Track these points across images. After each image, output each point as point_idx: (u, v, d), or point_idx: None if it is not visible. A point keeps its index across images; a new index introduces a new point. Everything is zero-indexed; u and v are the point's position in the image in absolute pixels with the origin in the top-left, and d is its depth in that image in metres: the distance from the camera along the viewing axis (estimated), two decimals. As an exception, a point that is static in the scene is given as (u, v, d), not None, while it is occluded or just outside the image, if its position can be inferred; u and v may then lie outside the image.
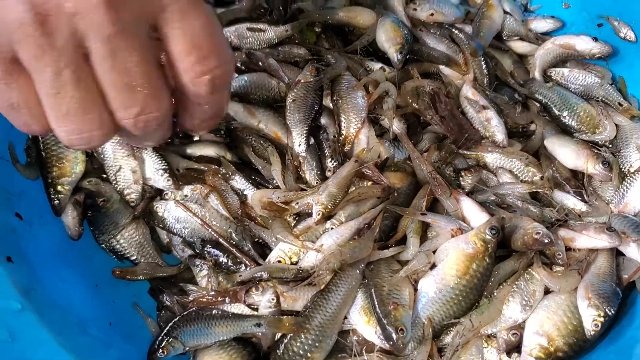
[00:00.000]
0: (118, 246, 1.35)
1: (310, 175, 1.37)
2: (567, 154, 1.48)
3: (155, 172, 1.36)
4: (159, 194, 1.40)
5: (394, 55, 1.52)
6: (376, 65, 1.54)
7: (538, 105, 1.61)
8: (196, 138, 1.45)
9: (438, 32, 1.68)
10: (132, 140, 0.85)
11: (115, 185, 1.36)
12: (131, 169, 1.34)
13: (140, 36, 0.72)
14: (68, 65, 0.69)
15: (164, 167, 1.36)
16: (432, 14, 1.64)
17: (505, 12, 1.71)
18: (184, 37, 0.74)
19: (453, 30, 1.65)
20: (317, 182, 1.35)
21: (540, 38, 1.71)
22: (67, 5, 0.66)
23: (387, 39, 1.54)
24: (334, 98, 1.45)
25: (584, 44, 1.64)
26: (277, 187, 1.35)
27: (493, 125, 1.48)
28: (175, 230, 1.35)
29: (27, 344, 1.03)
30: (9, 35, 0.67)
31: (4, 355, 0.96)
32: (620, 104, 1.56)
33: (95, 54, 0.69)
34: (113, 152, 1.34)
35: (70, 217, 1.32)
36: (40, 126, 0.76)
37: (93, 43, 0.68)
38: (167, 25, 0.73)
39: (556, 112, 1.57)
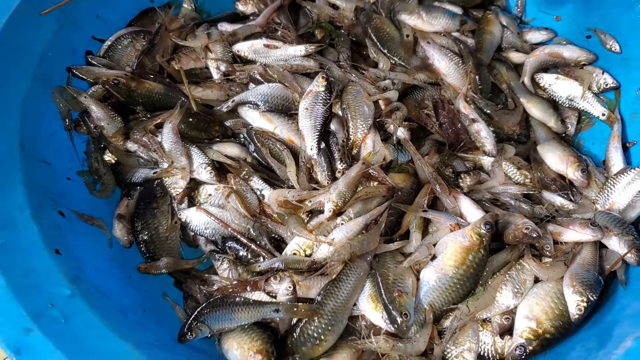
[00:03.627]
0: (152, 246, 1.49)
1: (321, 176, 1.48)
2: (553, 159, 1.61)
3: (199, 166, 1.49)
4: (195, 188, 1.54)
5: None
6: (390, 85, 1.65)
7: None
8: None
9: (444, 42, 1.79)
10: None
11: (165, 180, 1.51)
12: (181, 165, 1.48)
13: None
14: None
15: (207, 161, 1.50)
16: (420, 22, 1.76)
17: (503, 26, 1.83)
18: None
19: (459, 44, 1.76)
20: (328, 183, 1.47)
21: (535, 49, 1.82)
22: None
23: None
24: (343, 106, 1.57)
25: (571, 52, 1.77)
26: (292, 187, 1.48)
27: (482, 136, 1.61)
28: (198, 232, 1.48)
29: (79, 325, 1.16)
30: None
31: (61, 333, 1.10)
32: (603, 114, 1.68)
33: None
34: (168, 150, 1.48)
35: (117, 230, 1.50)
36: None
37: None
38: None
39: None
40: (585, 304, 1.28)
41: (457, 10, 1.84)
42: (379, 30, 1.76)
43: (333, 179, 1.48)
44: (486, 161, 1.62)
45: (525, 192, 1.55)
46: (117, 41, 1.65)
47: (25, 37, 1.42)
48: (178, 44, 1.70)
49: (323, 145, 1.51)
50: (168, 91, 1.58)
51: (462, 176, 1.53)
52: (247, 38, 1.71)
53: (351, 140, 1.54)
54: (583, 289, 1.30)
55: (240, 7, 1.84)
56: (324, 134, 1.53)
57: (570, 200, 1.56)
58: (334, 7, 1.84)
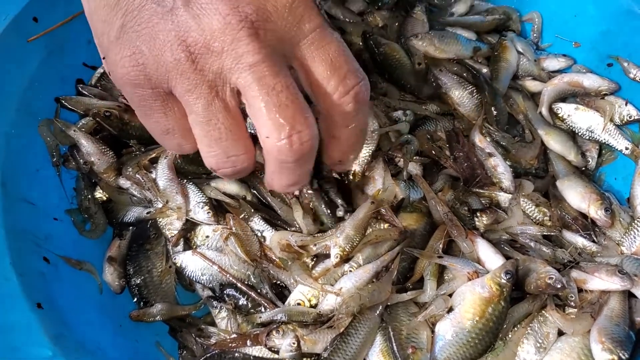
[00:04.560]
0: (145, 290, 1.39)
1: (323, 217, 1.38)
2: (573, 196, 1.51)
3: (196, 205, 1.39)
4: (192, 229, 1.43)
5: None
6: (402, 117, 1.56)
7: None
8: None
9: (456, 70, 1.71)
10: (286, 175, 0.91)
11: (160, 220, 1.40)
12: (177, 205, 1.37)
13: (282, 63, 0.79)
14: (218, 97, 0.79)
15: (205, 200, 1.40)
16: (432, 49, 1.67)
17: (519, 52, 1.74)
18: (324, 62, 0.81)
19: (474, 72, 1.67)
20: (331, 224, 1.37)
21: (552, 77, 1.73)
22: (214, 45, 0.75)
23: None
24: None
25: (591, 81, 1.67)
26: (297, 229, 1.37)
27: (499, 172, 1.51)
28: (194, 278, 1.38)
29: (59, 391, 1.06)
30: (167, 72, 0.78)
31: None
32: (627, 148, 1.59)
33: (243, 84, 0.77)
34: (163, 188, 1.38)
35: (108, 274, 1.39)
36: (191, 147, 0.90)
37: (240, 74, 0.77)
38: (305, 54, 0.81)
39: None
40: (615, 363, 1.18)
41: (471, 36, 1.75)
42: (388, 57, 1.66)
43: (336, 219, 1.37)
44: (503, 198, 1.52)
45: (545, 234, 1.45)
46: (110, 69, 1.54)
47: (10, 65, 1.32)
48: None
49: (316, 184, 1.38)
50: (164, 123, 1.47)
51: (479, 215, 1.44)
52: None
53: (352, 172, 1.44)
54: (613, 346, 1.19)
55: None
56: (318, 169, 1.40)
57: (593, 241, 1.46)
58: (341, 31, 1.74)
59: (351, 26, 1.75)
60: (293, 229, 1.38)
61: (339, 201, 1.38)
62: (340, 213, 1.37)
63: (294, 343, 1.21)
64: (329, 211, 1.37)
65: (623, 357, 1.19)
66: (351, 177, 1.43)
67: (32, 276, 1.19)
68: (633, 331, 1.25)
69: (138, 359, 1.31)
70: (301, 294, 1.29)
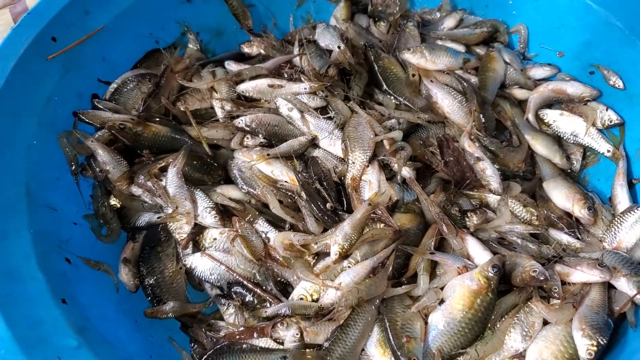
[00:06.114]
0: (158, 290, 1.49)
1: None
2: (559, 196, 1.60)
3: (204, 210, 1.48)
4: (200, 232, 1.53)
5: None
6: (396, 125, 1.65)
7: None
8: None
9: (447, 80, 1.79)
10: None
11: (170, 225, 1.50)
12: (186, 210, 1.47)
13: None
14: None
15: (212, 205, 1.49)
16: (423, 61, 1.77)
17: (506, 62, 1.84)
18: None
19: (463, 82, 1.74)
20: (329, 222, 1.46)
21: (538, 85, 1.82)
22: None
23: None
24: (344, 139, 1.58)
25: (574, 88, 1.76)
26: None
27: (488, 175, 1.59)
28: (204, 278, 1.48)
29: (86, 377, 1.15)
30: None
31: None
32: (608, 150, 1.68)
33: None
34: (173, 194, 1.48)
35: (123, 274, 1.49)
36: None
37: None
38: None
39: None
40: (595, 348, 1.27)
41: (460, 48, 1.85)
42: (386, 70, 1.76)
43: (334, 215, 1.48)
44: (492, 199, 1.62)
45: (532, 232, 1.54)
46: (123, 84, 1.66)
47: (32, 82, 1.43)
48: (183, 85, 1.71)
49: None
50: (174, 134, 1.58)
51: (469, 215, 1.53)
52: (252, 78, 1.71)
53: (350, 176, 1.54)
54: (593, 333, 1.28)
55: (246, 50, 1.86)
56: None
57: (577, 238, 1.55)
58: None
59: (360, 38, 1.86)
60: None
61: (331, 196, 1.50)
62: (328, 205, 1.47)
63: (297, 334, 1.31)
64: (324, 216, 1.47)
65: (602, 342, 1.28)
66: (349, 181, 1.53)
67: (56, 275, 1.30)
68: (612, 319, 1.34)
69: (153, 352, 1.40)
70: (304, 289, 1.38)
